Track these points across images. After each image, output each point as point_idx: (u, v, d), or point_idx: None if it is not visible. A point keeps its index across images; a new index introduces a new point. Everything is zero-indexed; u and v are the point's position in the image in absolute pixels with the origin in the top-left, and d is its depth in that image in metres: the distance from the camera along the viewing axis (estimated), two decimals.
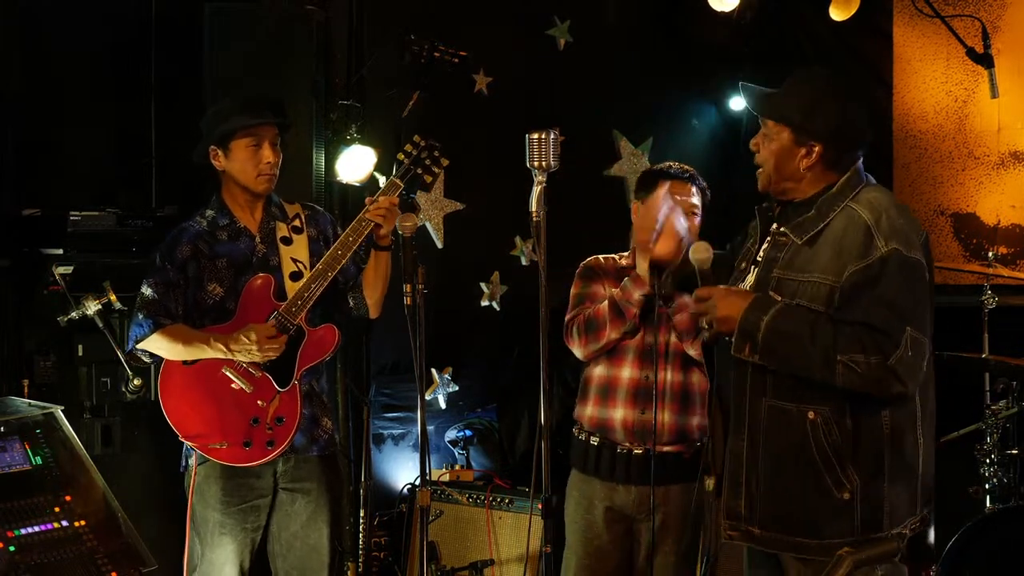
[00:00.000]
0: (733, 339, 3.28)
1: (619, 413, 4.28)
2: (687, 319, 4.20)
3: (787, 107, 3.40)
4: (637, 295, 4.18)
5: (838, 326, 3.17)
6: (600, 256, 4.50)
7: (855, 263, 3.20)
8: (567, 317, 4.38)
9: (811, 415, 3.25)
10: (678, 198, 4.15)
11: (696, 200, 4.33)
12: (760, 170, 3.47)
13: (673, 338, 4.28)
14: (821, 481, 3.26)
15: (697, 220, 4.30)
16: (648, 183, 4.33)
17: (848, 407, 3.24)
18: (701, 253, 3.41)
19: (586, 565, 4.37)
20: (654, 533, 4.24)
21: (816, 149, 3.36)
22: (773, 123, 3.42)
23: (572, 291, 4.46)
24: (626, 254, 4.42)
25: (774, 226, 3.47)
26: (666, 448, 4.27)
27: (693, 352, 4.22)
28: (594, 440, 4.34)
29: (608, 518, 4.32)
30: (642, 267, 4.13)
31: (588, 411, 4.38)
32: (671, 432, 4.26)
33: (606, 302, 4.27)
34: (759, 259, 3.47)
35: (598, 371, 4.38)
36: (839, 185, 3.37)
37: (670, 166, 4.39)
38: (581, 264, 4.50)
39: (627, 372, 4.29)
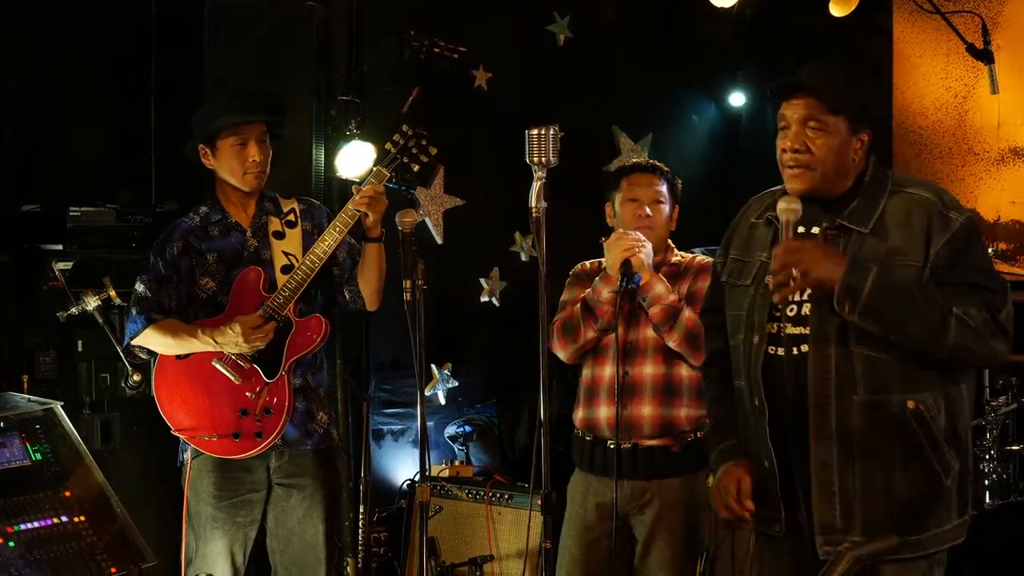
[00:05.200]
0: (835, 295, 3.08)
1: (602, 411, 4.31)
2: (661, 312, 4.22)
3: (843, 96, 3.22)
4: (606, 293, 4.24)
5: (943, 287, 3.09)
6: (587, 262, 4.57)
7: (939, 237, 3.12)
8: (552, 322, 4.42)
9: (911, 404, 3.13)
10: (644, 189, 4.36)
11: (662, 188, 4.40)
12: (802, 171, 3.22)
13: (652, 331, 4.30)
14: (930, 469, 3.15)
15: (665, 208, 4.39)
16: (613, 182, 4.47)
17: (941, 391, 3.16)
18: (791, 204, 3.21)
19: (579, 560, 4.37)
20: (621, 527, 4.25)
21: (866, 137, 3.25)
22: (831, 115, 3.19)
23: (562, 296, 4.52)
24: None
25: (821, 225, 3.27)
26: (652, 442, 4.28)
27: (672, 343, 4.23)
28: (588, 436, 4.37)
29: (600, 513, 4.32)
30: (610, 266, 4.21)
31: (579, 413, 4.42)
32: (654, 426, 4.28)
33: (580, 303, 4.33)
34: None
35: (585, 372, 4.43)
36: (871, 170, 3.27)
37: (635, 162, 4.52)
38: (572, 271, 4.56)
39: (608, 370, 4.32)
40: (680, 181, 4.49)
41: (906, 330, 3.08)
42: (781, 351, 3.26)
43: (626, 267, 4.16)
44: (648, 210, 4.34)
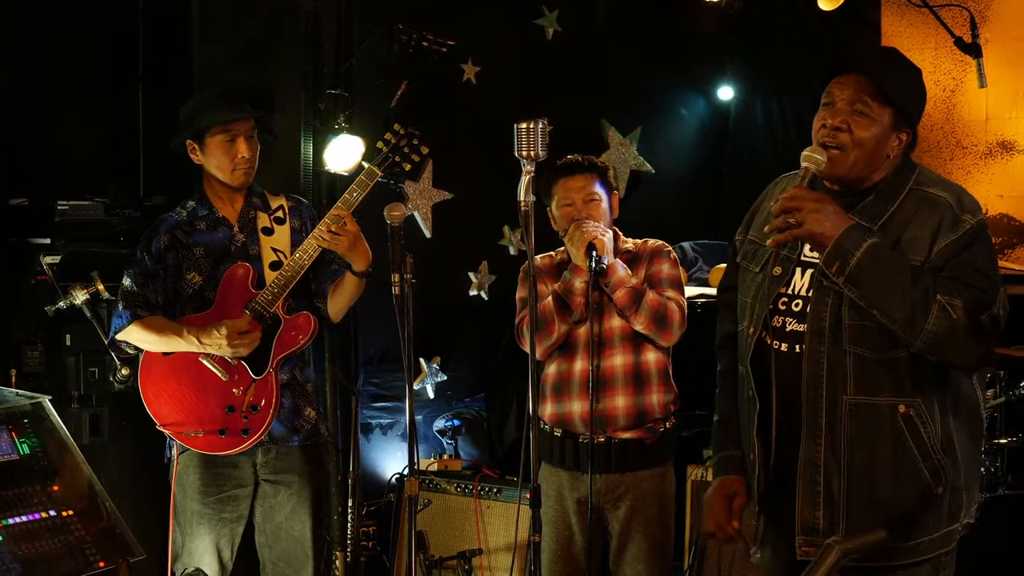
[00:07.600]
0: (824, 253, 3.01)
1: (576, 406, 4.32)
2: (626, 295, 4.24)
3: (896, 88, 3.11)
4: (578, 283, 4.26)
5: (937, 277, 2.98)
6: (536, 256, 4.53)
7: (945, 238, 3.02)
8: (516, 320, 4.44)
9: (902, 408, 3.06)
10: (576, 192, 4.33)
11: (595, 186, 4.37)
12: (839, 152, 3.10)
13: (618, 322, 4.31)
14: (920, 477, 3.08)
15: (602, 203, 4.37)
16: (547, 188, 4.43)
17: (936, 396, 3.09)
18: (816, 154, 3.09)
19: (559, 556, 4.38)
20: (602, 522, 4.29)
21: (905, 136, 3.16)
22: (878, 103, 3.09)
23: (517, 295, 4.51)
24: (561, 249, 4.46)
25: None
26: (626, 434, 4.30)
27: (639, 326, 4.25)
28: (557, 432, 4.37)
29: (579, 509, 4.34)
30: (576, 254, 4.24)
31: (548, 409, 4.40)
32: (628, 416, 4.29)
33: (550, 297, 4.33)
34: (806, 256, 3.23)
35: (552, 368, 4.42)
36: (895, 168, 3.16)
37: (561, 164, 4.44)
38: (521, 268, 4.54)
39: (579, 365, 4.33)
40: (611, 169, 4.47)
41: (887, 305, 2.98)
42: (784, 347, 3.21)
43: (591, 249, 4.17)
44: (585, 212, 4.32)
